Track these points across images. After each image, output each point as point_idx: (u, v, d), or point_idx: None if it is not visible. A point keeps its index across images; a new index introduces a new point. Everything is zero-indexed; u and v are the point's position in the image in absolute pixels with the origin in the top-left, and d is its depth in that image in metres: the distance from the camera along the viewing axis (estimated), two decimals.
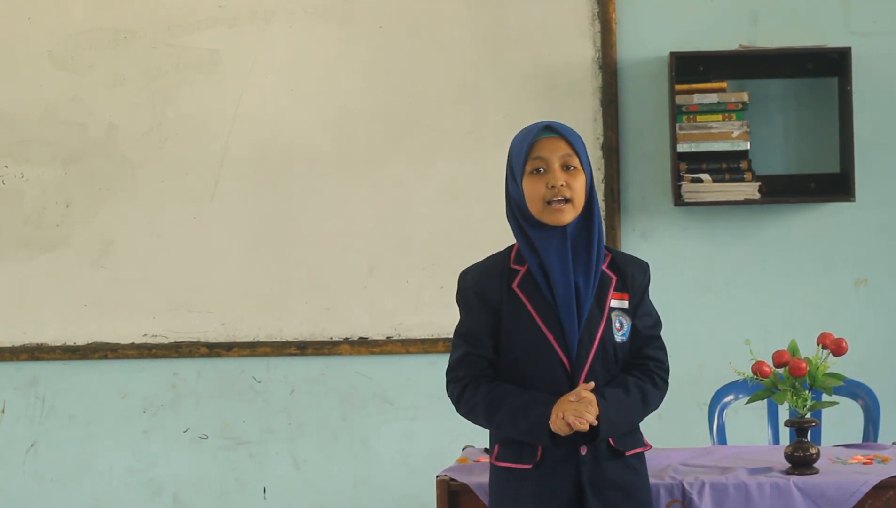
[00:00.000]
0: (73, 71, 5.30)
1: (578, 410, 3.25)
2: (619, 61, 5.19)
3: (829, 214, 5.18)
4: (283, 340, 5.28)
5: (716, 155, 5.06)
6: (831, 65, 5.11)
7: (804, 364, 3.66)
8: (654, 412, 3.45)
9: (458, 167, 5.24)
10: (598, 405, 3.27)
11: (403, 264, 5.24)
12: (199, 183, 5.29)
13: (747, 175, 5.05)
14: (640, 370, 3.39)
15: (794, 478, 3.60)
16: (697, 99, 5.06)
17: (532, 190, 3.32)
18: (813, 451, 3.68)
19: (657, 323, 3.45)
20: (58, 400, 5.35)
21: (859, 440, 4.42)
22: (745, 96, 5.05)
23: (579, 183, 3.31)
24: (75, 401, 5.35)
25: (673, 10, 5.19)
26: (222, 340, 5.29)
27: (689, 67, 5.10)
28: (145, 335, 5.31)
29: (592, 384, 3.29)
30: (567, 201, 3.30)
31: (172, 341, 5.30)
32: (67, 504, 5.35)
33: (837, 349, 3.70)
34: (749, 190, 5.04)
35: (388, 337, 5.26)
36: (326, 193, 5.26)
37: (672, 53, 5.07)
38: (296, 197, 5.26)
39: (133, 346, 5.30)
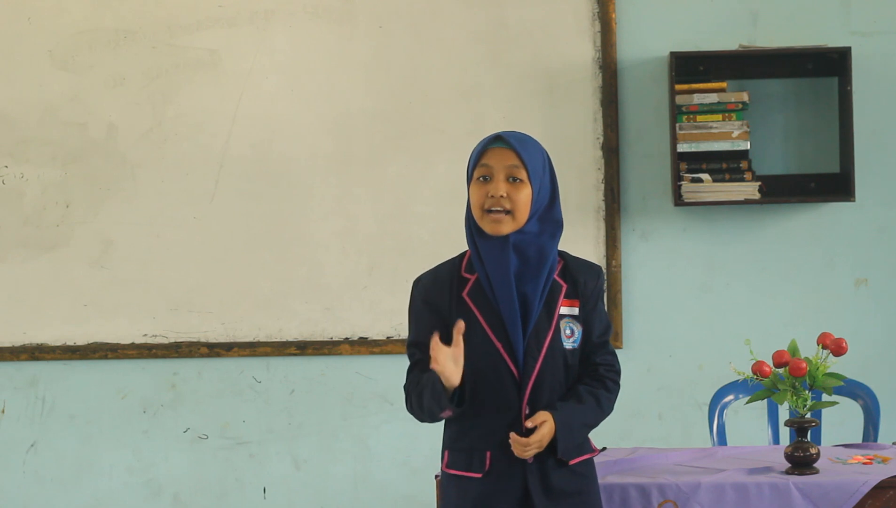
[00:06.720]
0: (73, 71, 5.30)
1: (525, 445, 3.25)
2: (619, 61, 5.19)
3: (829, 214, 5.18)
4: (283, 340, 5.28)
5: (716, 155, 5.06)
6: (831, 65, 5.11)
7: (804, 364, 3.66)
8: (610, 415, 3.42)
9: (458, 167, 5.20)
10: (554, 420, 3.24)
11: (403, 264, 5.24)
12: (199, 183, 5.29)
13: (747, 175, 5.04)
14: (591, 377, 3.37)
15: (794, 478, 3.60)
16: (697, 99, 5.06)
17: (475, 197, 3.31)
18: (813, 451, 3.68)
19: (608, 329, 3.42)
20: (58, 400, 5.35)
21: (859, 441, 4.42)
22: (745, 96, 5.05)
23: (522, 195, 3.28)
24: (75, 401, 5.35)
25: (673, 10, 5.19)
26: (222, 340, 5.29)
27: (689, 67, 5.09)
28: (145, 335, 5.30)
29: (533, 423, 3.26)
30: (507, 212, 3.28)
31: (172, 341, 5.30)
32: (67, 504, 5.35)
33: (837, 349, 3.70)
34: (749, 190, 5.04)
35: (388, 337, 5.26)
36: (326, 193, 5.26)
37: (672, 53, 5.07)
38: (296, 197, 5.26)
39: (133, 346, 5.30)
